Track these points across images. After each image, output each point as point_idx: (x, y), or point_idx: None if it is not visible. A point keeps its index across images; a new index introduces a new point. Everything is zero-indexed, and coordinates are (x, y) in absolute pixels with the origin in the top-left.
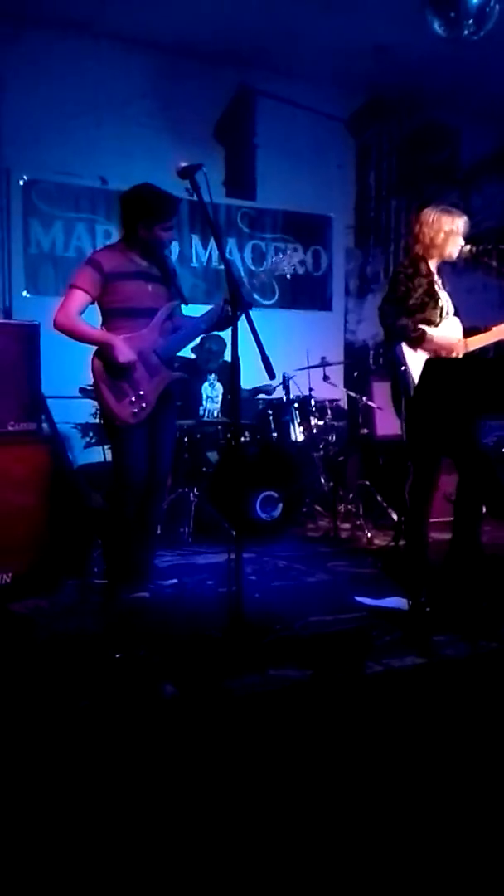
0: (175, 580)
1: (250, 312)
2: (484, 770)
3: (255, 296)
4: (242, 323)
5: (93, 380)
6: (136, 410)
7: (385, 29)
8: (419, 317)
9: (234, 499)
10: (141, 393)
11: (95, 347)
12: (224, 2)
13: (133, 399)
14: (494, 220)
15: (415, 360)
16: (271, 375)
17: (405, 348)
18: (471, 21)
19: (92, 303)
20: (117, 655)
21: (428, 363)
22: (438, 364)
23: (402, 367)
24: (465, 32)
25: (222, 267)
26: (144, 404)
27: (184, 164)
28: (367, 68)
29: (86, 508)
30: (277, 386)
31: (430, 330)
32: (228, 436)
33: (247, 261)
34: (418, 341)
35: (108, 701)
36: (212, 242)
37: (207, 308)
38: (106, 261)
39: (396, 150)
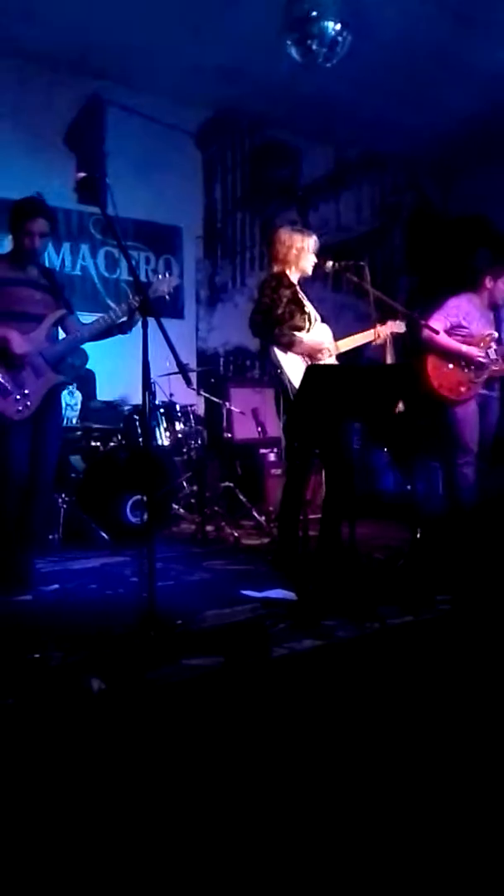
0: (56, 585)
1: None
2: (394, 736)
3: (110, 302)
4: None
5: None
6: (20, 408)
7: (233, 50)
8: (289, 324)
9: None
10: (26, 392)
11: None
12: (78, 12)
13: (18, 397)
14: (330, 236)
15: (288, 363)
16: (188, 383)
17: (278, 352)
18: (325, 49)
19: None
20: (36, 655)
21: (308, 369)
22: (317, 369)
23: (279, 370)
24: (320, 60)
25: (76, 272)
26: (29, 402)
27: (82, 175)
28: (213, 85)
29: None
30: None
31: (299, 334)
32: (93, 443)
33: (100, 267)
34: (289, 345)
35: (36, 698)
36: (64, 248)
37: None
38: None
39: (241, 166)
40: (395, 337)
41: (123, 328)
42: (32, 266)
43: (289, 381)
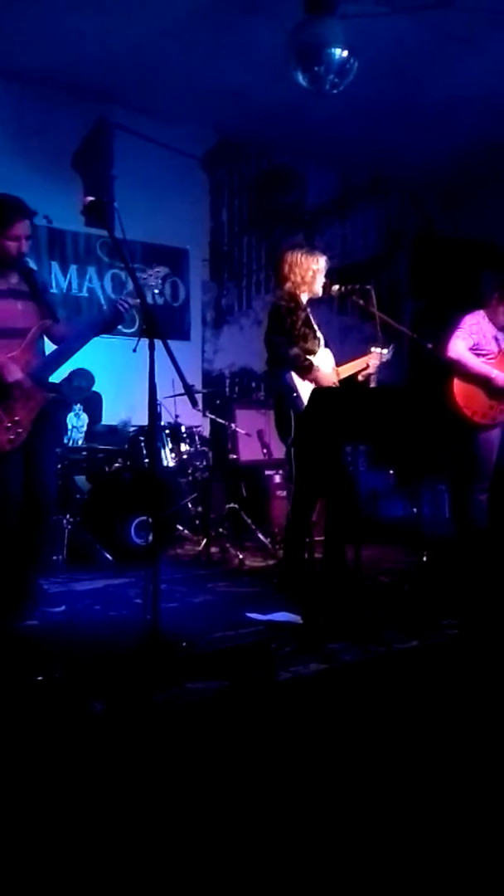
0: (63, 607)
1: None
2: (400, 761)
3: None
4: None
5: None
6: (11, 437)
7: (240, 75)
8: (302, 346)
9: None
10: (17, 419)
11: None
12: (86, 36)
13: (8, 425)
14: (336, 260)
15: (304, 388)
16: (194, 404)
17: (294, 376)
18: (333, 76)
19: None
20: (39, 678)
21: (313, 392)
22: (322, 392)
23: (294, 394)
24: (327, 86)
25: (83, 294)
26: (20, 430)
27: (90, 199)
28: (220, 110)
29: None
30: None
31: (315, 361)
32: (98, 463)
33: (107, 289)
34: (307, 370)
35: (40, 720)
36: (71, 270)
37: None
38: None
39: (247, 190)
40: (386, 362)
41: (108, 327)
42: (12, 272)
43: (304, 406)
